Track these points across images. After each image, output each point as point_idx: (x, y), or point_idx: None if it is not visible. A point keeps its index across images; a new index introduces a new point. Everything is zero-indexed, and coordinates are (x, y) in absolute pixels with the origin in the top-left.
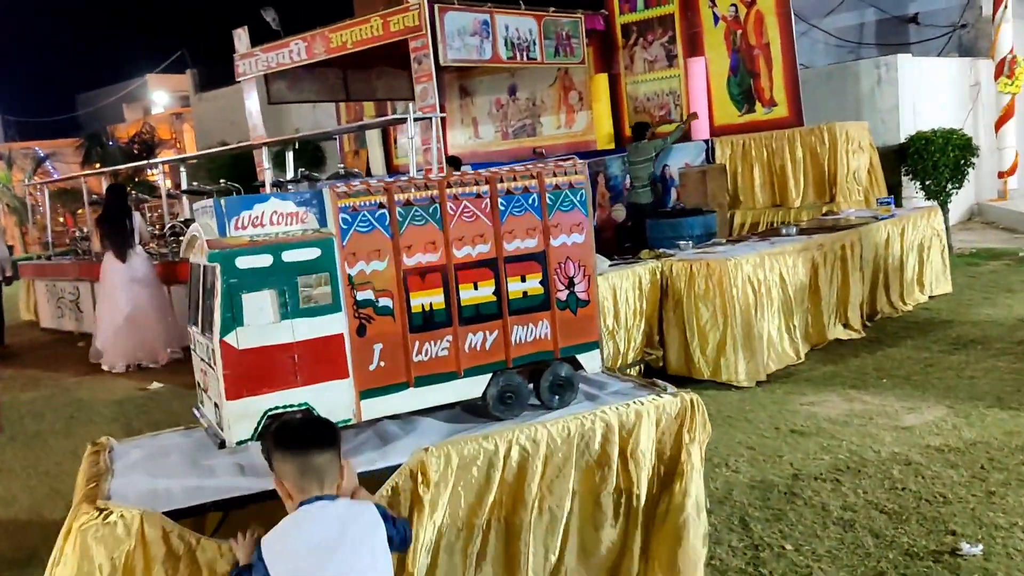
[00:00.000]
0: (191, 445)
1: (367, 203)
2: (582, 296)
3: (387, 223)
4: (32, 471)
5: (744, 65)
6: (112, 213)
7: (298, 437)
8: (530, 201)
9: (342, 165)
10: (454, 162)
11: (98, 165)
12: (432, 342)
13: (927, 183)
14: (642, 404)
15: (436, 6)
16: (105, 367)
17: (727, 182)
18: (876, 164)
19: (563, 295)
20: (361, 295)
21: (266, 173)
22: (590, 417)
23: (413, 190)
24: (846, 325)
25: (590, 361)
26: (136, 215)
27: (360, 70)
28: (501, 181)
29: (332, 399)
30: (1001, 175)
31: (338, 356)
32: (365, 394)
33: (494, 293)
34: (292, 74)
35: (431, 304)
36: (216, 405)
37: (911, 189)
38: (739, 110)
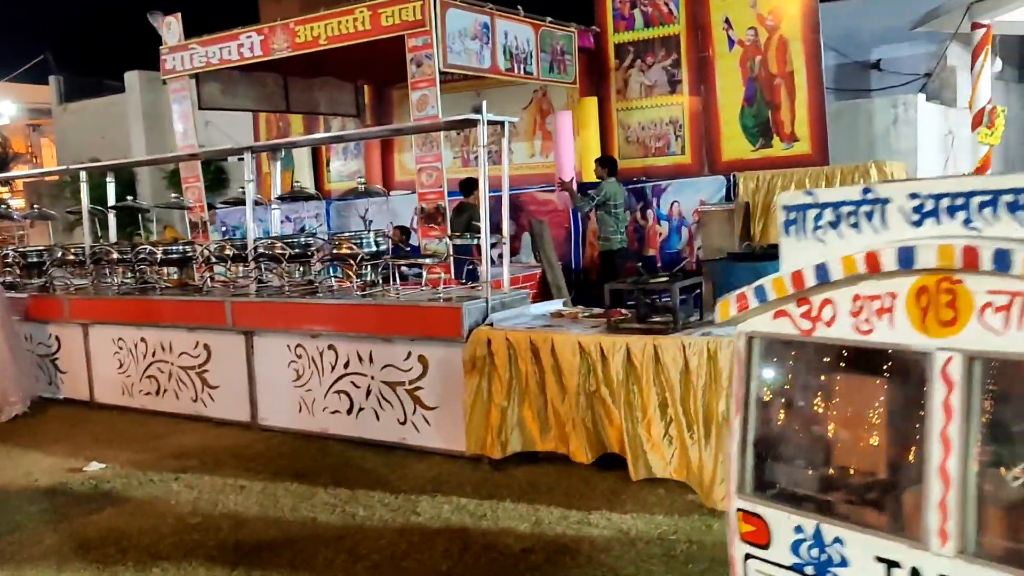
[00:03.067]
0: None
1: None
2: None
3: None
4: None
5: (762, 95)
6: None
7: None
8: None
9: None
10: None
11: None
12: None
13: None
14: None
15: (437, 1)
16: None
17: (750, 223)
18: None
19: None
20: None
21: (248, 187)
22: None
23: None
24: None
25: None
26: None
27: (302, 78)
28: None
29: None
30: None
31: None
32: None
33: None
34: (226, 77)
35: None
36: None
37: None
38: (753, 144)
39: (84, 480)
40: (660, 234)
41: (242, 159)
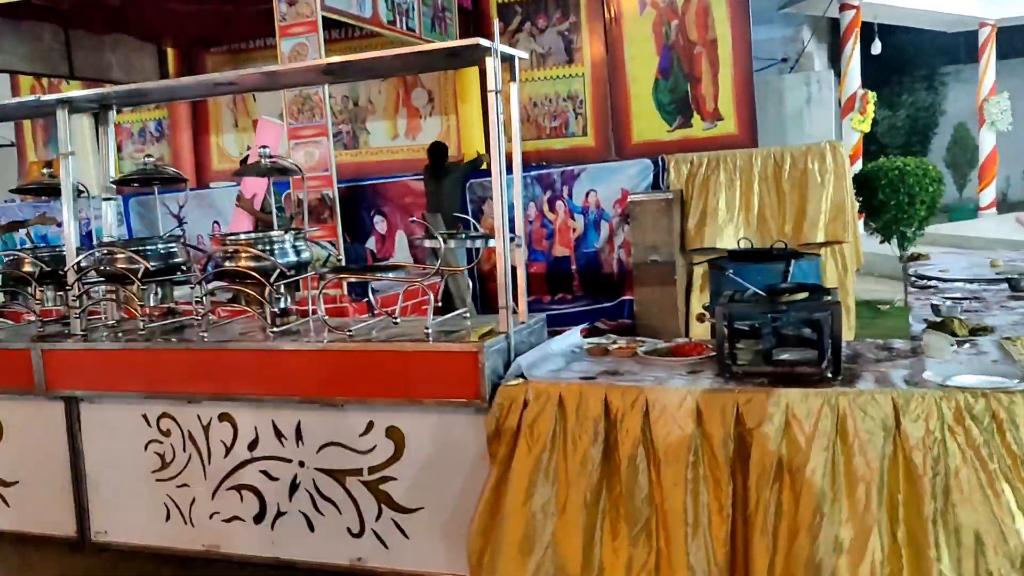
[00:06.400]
0: None
1: None
2: None
3: None
4: None
5: (680, 67)
6: None
7: None
8: None
9: (48, 170)
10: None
11: None
12: None
13: (899, 219)
14: None
15: None
16: None
17: (682, 216)
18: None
19: None
20: None
21: (63, 163)
22: None
23: None
24: None
25: None
26: None
27: (90, 34)
28: None
29: None
30: None
31: None
32: None
33: None
34: None
35: None
36: None
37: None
38: (669, 124)
39: None
40: (574, 230)
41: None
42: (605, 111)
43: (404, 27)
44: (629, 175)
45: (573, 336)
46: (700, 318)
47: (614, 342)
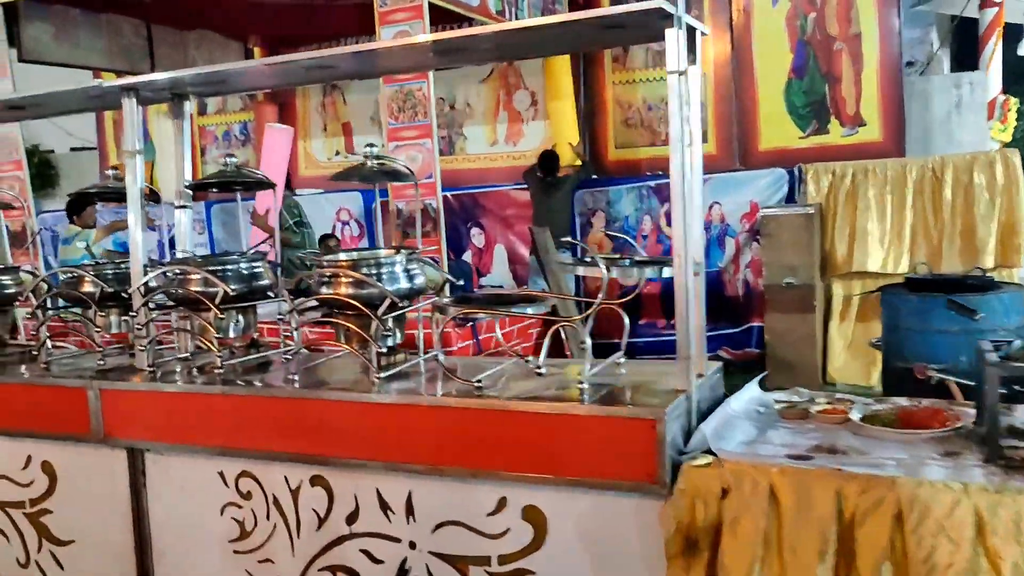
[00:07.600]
0: None
1: None
2: None
3: None
4: None
5: (816, 65)
6: None
7: None
8: None
9: (114, 171)
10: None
11: None
12: None
13: None
14: None
15: None
16: None
17: (822, 234)
18: None
19: None
20: None
21: (130, 163)
22: None
23: None
24: None
25: None
26: None
27: (173, 29)
28: None
29: None
30: None
31: None
32: None
33: None
34: (62, 16)
35: None
36: None
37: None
38: (802, 129)
39: None
40: None
41: (80, 149)
42: (729, 115)
43: (513, 17)
44: (759, 186)
45: (752, 390)
46: (920, 371)
47: (811, 400)
